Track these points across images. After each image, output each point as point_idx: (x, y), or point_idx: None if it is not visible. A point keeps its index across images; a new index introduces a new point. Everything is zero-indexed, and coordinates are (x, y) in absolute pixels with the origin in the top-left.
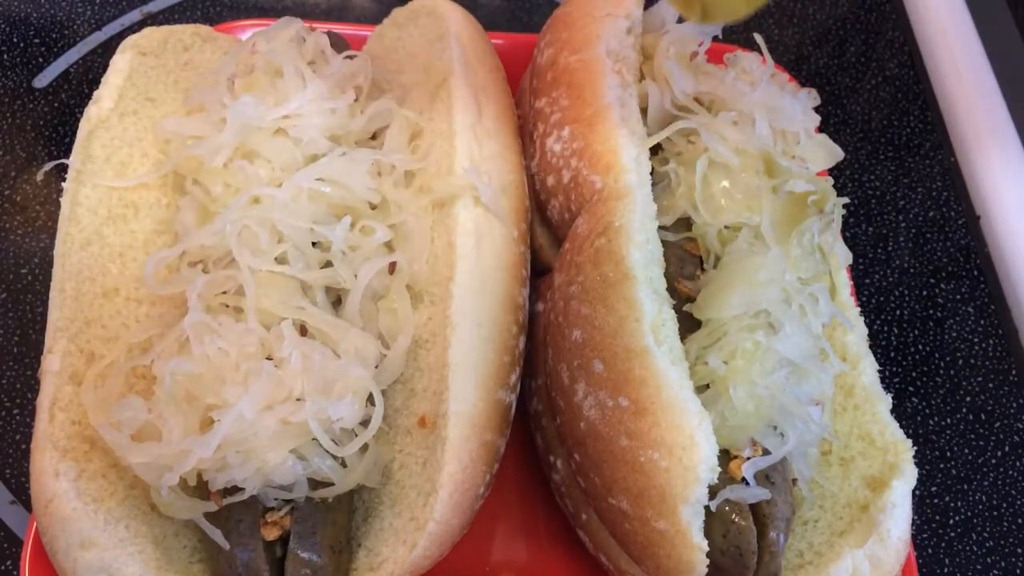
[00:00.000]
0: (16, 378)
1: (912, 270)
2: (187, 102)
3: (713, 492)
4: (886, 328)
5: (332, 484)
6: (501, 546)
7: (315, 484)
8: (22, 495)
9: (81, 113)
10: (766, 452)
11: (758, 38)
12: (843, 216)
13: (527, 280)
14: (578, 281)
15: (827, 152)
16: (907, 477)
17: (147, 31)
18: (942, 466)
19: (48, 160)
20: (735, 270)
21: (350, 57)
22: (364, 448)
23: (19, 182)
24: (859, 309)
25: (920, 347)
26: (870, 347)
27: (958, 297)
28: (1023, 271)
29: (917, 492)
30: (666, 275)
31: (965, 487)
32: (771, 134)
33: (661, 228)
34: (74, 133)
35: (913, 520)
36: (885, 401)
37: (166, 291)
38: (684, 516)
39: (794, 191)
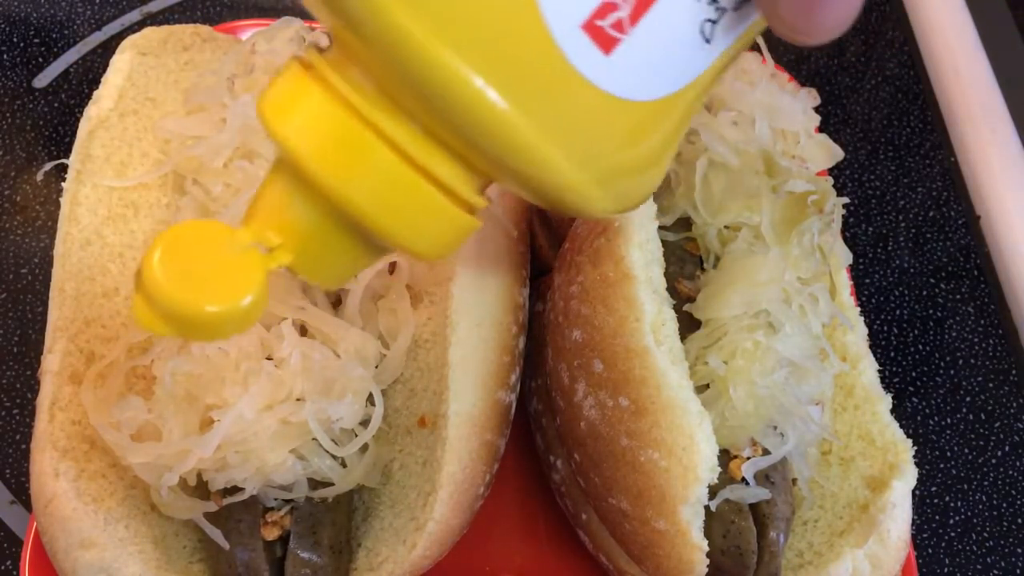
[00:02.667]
0: (16, 378)
1: (912, 270)
2: (187, 102)
3: (713, 492)
4: (886, 328)
5: (332, 484)
6: (501, 546)
7: (315, 484)
8: (22, 495)
9: (81, 113)
10: (766, 452)
11: (758, 38)
12: (843, 216)
13: (527, 280)
14: (578, 281)
15: (827, 152)
16: (907, 477)
17: (147, 31)
18: (942, 466)
19: (48, 160)
20: (735, 270)
21: None
22: (364, 448)
23: (19, 182)
24: (859, 309)
25: (920, 347)
26: (870, 347)
27: (958, 297)
28: (1023, 271)
29: (917, 492)
30: (666, 275)
31: (965, 487)
32: (771, 134)
33: (661, 228)
34: (74, 133)
35: (913, 520)
36: (885, 401)
37: None
38: (684, 516)
39: (794, 191)
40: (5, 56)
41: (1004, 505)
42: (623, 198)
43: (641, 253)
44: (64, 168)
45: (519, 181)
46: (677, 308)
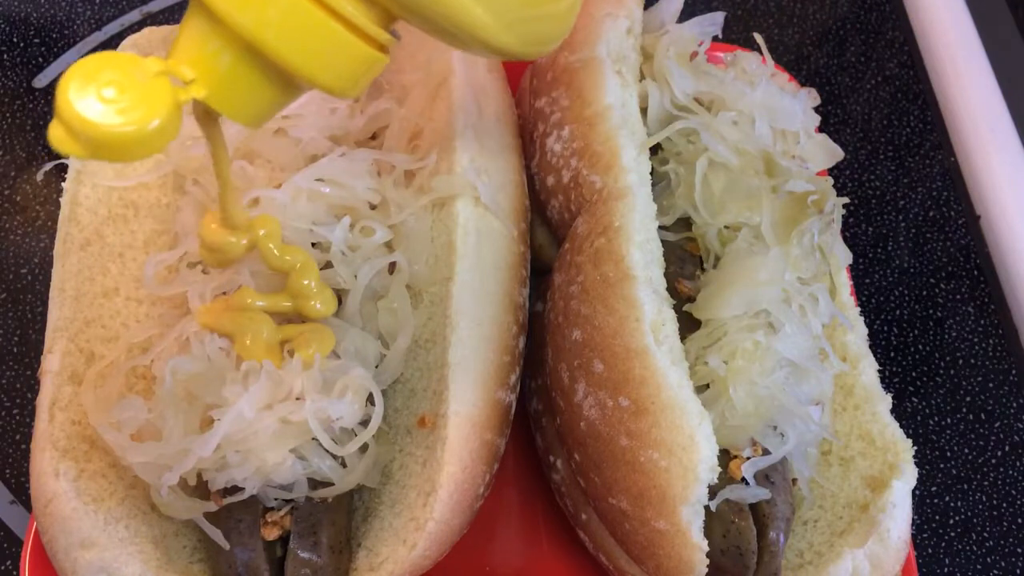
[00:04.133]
0: (16, 378)
1: (912, 270)
2: None
3: (713, 492)
4: (886, 328)
5: (332, 484)
6: (501, 546)
7: (315, 484)
8: (22, 495)
9: None
10: (766, 452)
11: (758, 38)
12: (843, 216)
13: (527, 280)
14: (578, 281)
15: (827, 152)
16: (907, 477)
17: (147, 31)
18: (942, 466)
19: (48, 160)
20: (735, 270)
21: None
22: (364, 448)
23: (19, 182)
24: (859, 309)
25: (920, 347)
26: (870, 347)
27: (958, 297)
28: (1023, 271)
29: (917, 492)
30: (666, 275)
31: (965, 487)
32: (771, 134)
33: (661, 228)
34: None
35: (913, 520)
36: (885, 401)
37: (166, 292)
38: (684, 516)
39: (794, 191)
40: (5, 56)
41: (1004, 505)
42: (532, 40)
43: (641, 253)
44: (64, 168)
45: (425, 19)
46: (677, 308)
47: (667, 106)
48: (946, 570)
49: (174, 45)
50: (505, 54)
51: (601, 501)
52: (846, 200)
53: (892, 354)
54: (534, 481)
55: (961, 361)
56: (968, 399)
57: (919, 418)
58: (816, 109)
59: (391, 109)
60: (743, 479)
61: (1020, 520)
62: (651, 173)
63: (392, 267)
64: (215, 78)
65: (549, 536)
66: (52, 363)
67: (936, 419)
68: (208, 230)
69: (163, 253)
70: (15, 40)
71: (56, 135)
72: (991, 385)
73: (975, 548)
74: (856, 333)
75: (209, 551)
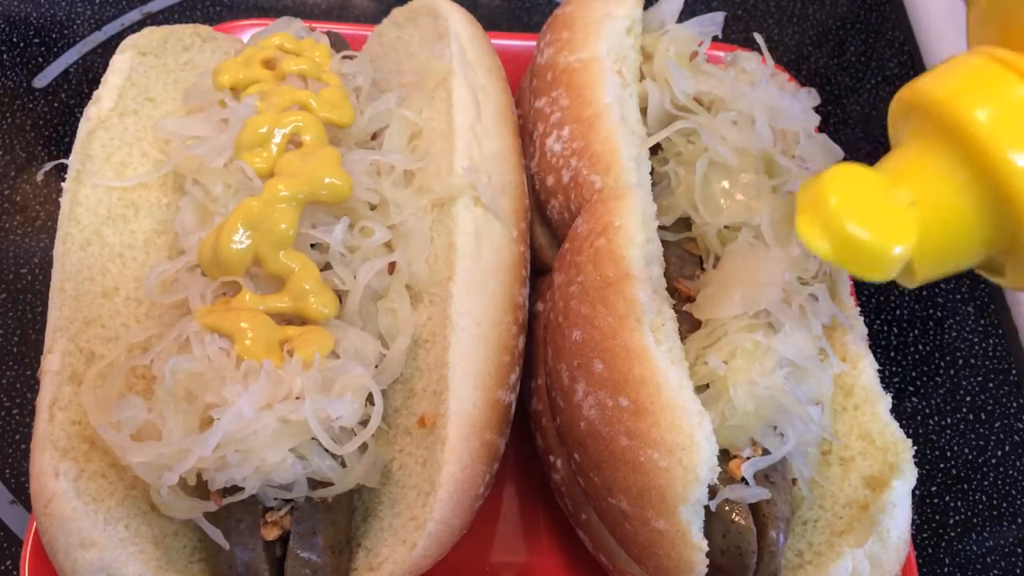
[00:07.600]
0: (16, 378)
1: None
2: (187, 102)
3: (713, 492)
4: (886, 328)
5: (332, 484)
6: (501, 546)
7: (315, 484)
8: (22, 495)
9: (81, 113)
10: (766, 452)
11: (758, 38)
12: None
13: (527, 280)
14: (578, 281)
15: (827, 152)
16: (907, 477)
17: (147, 31)
18: (942, 466)
19: (48, 160)
20: (735, 270)
21: (349, 57)
22: (364, 448)
23: (19, 182)
24: (859, 309)
25: (920, 347)
26: (870, 347)
27: (958, 297)
28: None
29: (917, 492)
30: (666, 275)
31: (965, 487)
32: (771, 134)
33: (661, 228)
34: (74, 133)
35: (913, 520)
36: (885, 401)
37: (168, 299)
38: (684, 516)
39: (794, 191)
40: (5, 56)
41: (1004, 505)
42: None
43: (641, 253)
44: (64, 168)
45: None
46: (677, 308)
47: (667, 106)
48: (946, 570)
49: (901, 167)
50: None
51: (601, 501)
52: None
53: (892, 354)
54: (534, 481)
55: (961, 361)
56: (968, 399)
57: (919, 418)
58: (816, 109)
59: (391, 109)
60: (743, 479)
61: (1020, 520)
62: (651, 173)
63: (392, 267)
64: (935, 213)
65: (549, 536)
66: (52, 363)
67: (936, 419)
68: None
69: (165, 264)
70: (15, 40)
71: (806, 229)
72: (991, 385)
73: (975, 548)
74: (856, 333)
75: (209, 551)
